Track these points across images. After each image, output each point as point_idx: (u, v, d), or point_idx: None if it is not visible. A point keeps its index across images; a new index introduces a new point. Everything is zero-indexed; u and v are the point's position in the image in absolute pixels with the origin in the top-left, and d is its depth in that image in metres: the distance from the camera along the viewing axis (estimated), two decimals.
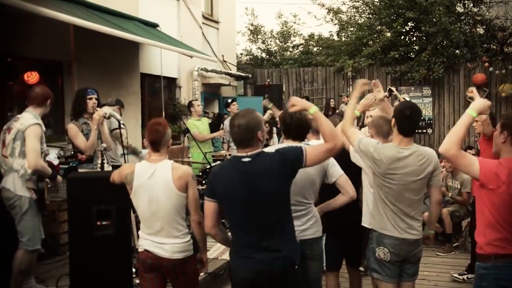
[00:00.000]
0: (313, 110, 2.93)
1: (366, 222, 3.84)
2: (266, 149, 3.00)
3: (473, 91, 4.21)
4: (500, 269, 2.81)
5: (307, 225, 3.37)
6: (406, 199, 3.29)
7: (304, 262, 3.35)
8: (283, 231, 2.84)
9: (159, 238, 3.15)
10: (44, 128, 4.39)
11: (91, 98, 4.92)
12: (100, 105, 5.02)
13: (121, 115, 6.03)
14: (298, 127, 3.42)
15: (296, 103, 2.96)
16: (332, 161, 3.45)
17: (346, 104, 12.19)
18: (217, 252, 5.77)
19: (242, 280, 2.84)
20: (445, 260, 6.03)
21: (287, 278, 2.83)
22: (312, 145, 3.16)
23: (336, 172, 3.44)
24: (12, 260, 4.31)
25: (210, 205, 2.89)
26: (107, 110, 5.04)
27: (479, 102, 2.97)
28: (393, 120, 3.36)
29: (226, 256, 5.63)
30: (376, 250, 3.34)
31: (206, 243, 3.39)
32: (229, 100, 8.89)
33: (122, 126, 5.07)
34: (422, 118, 12.86)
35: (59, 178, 4.75)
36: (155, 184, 3.10)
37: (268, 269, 2.76)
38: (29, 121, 4.24)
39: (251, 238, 2.81)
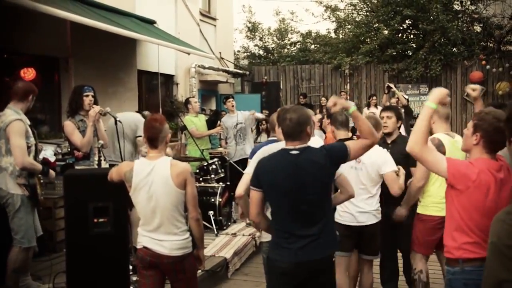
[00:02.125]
0: (352, 109, 3.01)
1: None
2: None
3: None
4: (470, 273, 2.62)
5: None
6: None
7: None
8: (324, 222, 2.95)
9: (158, 235, 3.14)
10: (28, 122, 4.31)
11: (87, 95, 4.90)
12: (97, 102, 5.00)
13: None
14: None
15: (337, 102, 3.02)
16: None
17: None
18: (215, 249, 5.77)
19: (282, 269, 2.92)
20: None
21: (325, 267, 2.96)
22: (352, 141, 3.22)
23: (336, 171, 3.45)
24: (7, 258, 4.30)
25: (256, 195, 2.98)
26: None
27: (435, 92, 2.83)
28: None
29: (223, 254, 5.64)
30: None
31: (203, 240, 3.39)
32: (225, 97, 8.89)
33: (119, 122, 5.05)
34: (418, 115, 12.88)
35: (52, 172, 4.66)
36: (154, 181, 3.09)
37: (308, 259, 2.88)
38: (9, 117, 4.17)
39: (294, 228, 2.91)
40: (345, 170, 3.43)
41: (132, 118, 5.93)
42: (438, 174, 2.83)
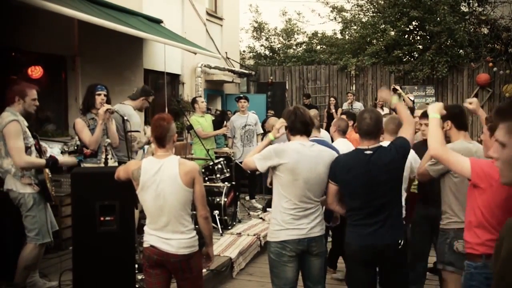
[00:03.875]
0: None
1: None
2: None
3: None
4: (491, 268, 2.76)
5: (314, 223, 3.44)
6: None
7: (308, 259, 3.48)
8: (393, 212, 3.34)
9: (165, 233, 3.15)
10: (25, 123, 4.33)
11: (99, 94, 4.96)
12: (109, 102, 5.03)
13: (150, 104, 5.98)
14: (304, 122, 3.48)
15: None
16: None
17: (350, 102, 12.14)
18: (220, 249, 5.77)
19: (354, 252, 3.39)
20: None
21: (392, 253, 3.32)
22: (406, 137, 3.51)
23: None
24: (14, 255, 4.33)
25: (333, 187, 3.41)
26: (121, 107, 5.07)
27: (434, 105, 3.19)
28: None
29: (228, 253, 5.65)
30: (454, 243, 3.48)
31: (212, 238, 3.40)
32: (238, 96, 8.88)
33: (127, 121, 5.07)
34: None
35: (62, 159, 4.65)
36: (162, 179, 3.10)
37: (376, 243, 3.28)
38: (5, 119, 4.20)
39: (365, 217, 3.30)
40: None
41: (122, 111, 5.43)
42: (462, 174, 2.97)
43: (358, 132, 3.43)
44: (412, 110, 9.28)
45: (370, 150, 3.29)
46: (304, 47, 17.50)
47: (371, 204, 3.28)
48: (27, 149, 4.26)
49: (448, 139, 3.66)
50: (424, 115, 4.73)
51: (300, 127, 3.46)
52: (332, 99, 11.84)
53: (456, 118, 3.68)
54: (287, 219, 3.37)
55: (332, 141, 5.17)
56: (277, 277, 3.48)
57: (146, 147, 6.47)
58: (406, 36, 14.19)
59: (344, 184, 3.35)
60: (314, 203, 3.43)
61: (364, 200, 3.30)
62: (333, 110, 11.24)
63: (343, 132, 5.25)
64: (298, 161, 3.33)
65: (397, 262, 3.40)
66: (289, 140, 3.55)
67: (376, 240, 3.28)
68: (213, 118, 8.85)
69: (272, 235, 3.45)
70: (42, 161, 4.36)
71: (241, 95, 9.05)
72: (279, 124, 3.62)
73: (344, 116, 6.19)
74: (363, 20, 15.45)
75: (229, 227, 6.69)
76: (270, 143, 3.57)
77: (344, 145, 5.19)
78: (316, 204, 3.45)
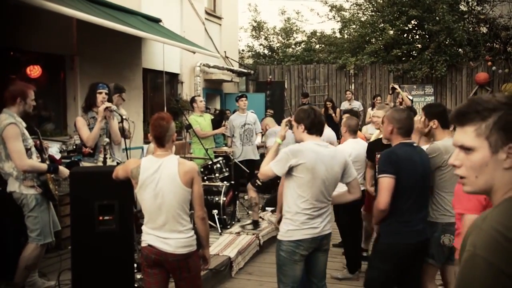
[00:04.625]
0: None
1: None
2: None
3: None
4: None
5: (326, 221, 3.52)
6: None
7: (316, 255, 3.56)
8: (427, 210, 3.60)
9: (163, 233, 3.15)
10: (24, 124, 4.28)
11: (100, 93, 4.97)
12: (111, 100, 5.03)
13: (123, 100, 5.98)
14: (321, 122, 3.56)
15: None
16: (350, 162, 3.65)
17: (349, 100, 12.16)
18: (218, 248, 5.77)
19: (402, 250, 3.51)
20: None
21: (423, 248, 3.56)
22: None
23: (353, 173, 3.61)
24: (14, 254, 4.33)
25: (390, 181, 3.38)
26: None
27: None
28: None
29: (227, 253, 5.65)
30: (441, 237, 3.63)
31: (209, 239, 3.39)
32: (239, 95, 8.88)
33: (125, 120, 5.06)
34: None
35: (62, 169, 4.56)
36: (161, 178, 3.10)
37: (422, 239, 3.51)
38: (4, 122, 4.14)
39: (415, 211, 3.47)
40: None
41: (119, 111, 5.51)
42: None
43: (400, 131, 3.56)
44: (411, 109, 9.29)
45: (413, 144, 3.57)
46: (303, 46, 17.50)
47: (422, 194, 3.51)
48: (27, 151, 4.23)
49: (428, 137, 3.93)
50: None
51: (319, 126, 3.50)
52: (328, 103, 11.68)
53: (441, 116, 3.78)
54: (303, 219, 3.38)
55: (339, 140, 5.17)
56: (285, 275, 3.48)
57: (145, 146, 6.47)
58: (405, 35, 14.21)
59: (406, 173, 3.39)
60: (327, 202, 3.49)
61: (419, 192, 3.47)
62: (332, 112, 11.15)
63: (354, 132, 5.23)
64: (316, 160, 3.34)
65: (423, 256, 3.64)
66: (297, 141, 3.56)
67: (421, 236, 3.51)
68: (212, 117, 8.84)
69: (286, 234, 3.43)
70: (44, 166, 4.32)
71: (242, 94, 9.05)
72: (284, 123, 3.73)
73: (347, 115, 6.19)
74: (362, 19, 15.46)
75: (228, 226, 6.69)
76: (279, 147, 3.64)
77: (357, 144, 5.20)
78: (329, 203, 3.53)
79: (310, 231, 3.40)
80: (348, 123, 5.25)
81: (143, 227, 3.27)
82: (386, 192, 3.37)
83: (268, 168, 3.41)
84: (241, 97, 8.64)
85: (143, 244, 3.23)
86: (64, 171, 4.50)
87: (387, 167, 3.41)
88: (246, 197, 8.95)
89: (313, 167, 3.32)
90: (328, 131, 6.67)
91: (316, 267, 3.58)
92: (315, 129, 3.48)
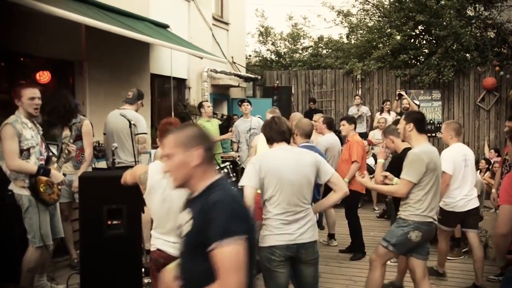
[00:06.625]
0: None
1: None
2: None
3: None
4: None
5: (304, 228, 3.39)
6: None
7: (299, 268, 3.43)
8: None
9: (172, 237, 3.15)
10: (28, 125, 4.35)
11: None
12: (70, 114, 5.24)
13: (142, 105, 6.08)
14: (280, 130, 3.59)
15: None
16: (323, 160, 3.55)
17: (357, 106, 12.16)
18: None
19: None
20: (454, 264, 6.00)
21: None
22: None
23: (328, 170, 3.50)
24: (21, 257, 4.36)
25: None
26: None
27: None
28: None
29: None
30: (410, 232, 3.96)
31: None
32: (241, 99, 8.91)
33: (134, 125, 5.12)
34: (431, 121, 12.81)
35: (55, 173, 4.48)
36: (169, 184, 3.10)
37: None
38: (3, 123, 4.29)
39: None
40: (460, 165, 5.03)
41: (129, 116, 5.56)
42: None
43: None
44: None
45: None
46: (310, 52, 17.52)
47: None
48: (24, 151, 4.28)
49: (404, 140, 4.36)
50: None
51: (276, 136, 3.56)
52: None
53: (418, 122, 4.14)
54: (275, 224, 3.34)
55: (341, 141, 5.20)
56: (267, 282, 3.44)
57: (152, 151, 6.50)
58: (412, 40, 14.18)
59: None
60: (303, 207, 3.40)
61: None
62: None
63: (307, 135, 4.96)
64: (279, 163, 3.38)
65: None
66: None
67: None
68: (220, 122, 8.87)
69: (261, 240, 3.41)
70: (33, 167, 4.31)
71: (243, 99, 9.09)
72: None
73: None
74: (369, 24, 15.46)
75: None
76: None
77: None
78: (306, 208, 3.42)
79: (284, 237, 3.32)
80: (299, 125, 4.97)
81: (152, 232, 3.28)
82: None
83: (245, 189, 3.35)
84: (242, 102, 8.67)
85: (152, 248, 3.25)
86: (56, 175, 4.48)
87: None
88: None
89: (277, 170, 3.34)
90: (329, 136, 6.65)
91: (301, 280, 3.49)
92: (272, 140, 3.58)
